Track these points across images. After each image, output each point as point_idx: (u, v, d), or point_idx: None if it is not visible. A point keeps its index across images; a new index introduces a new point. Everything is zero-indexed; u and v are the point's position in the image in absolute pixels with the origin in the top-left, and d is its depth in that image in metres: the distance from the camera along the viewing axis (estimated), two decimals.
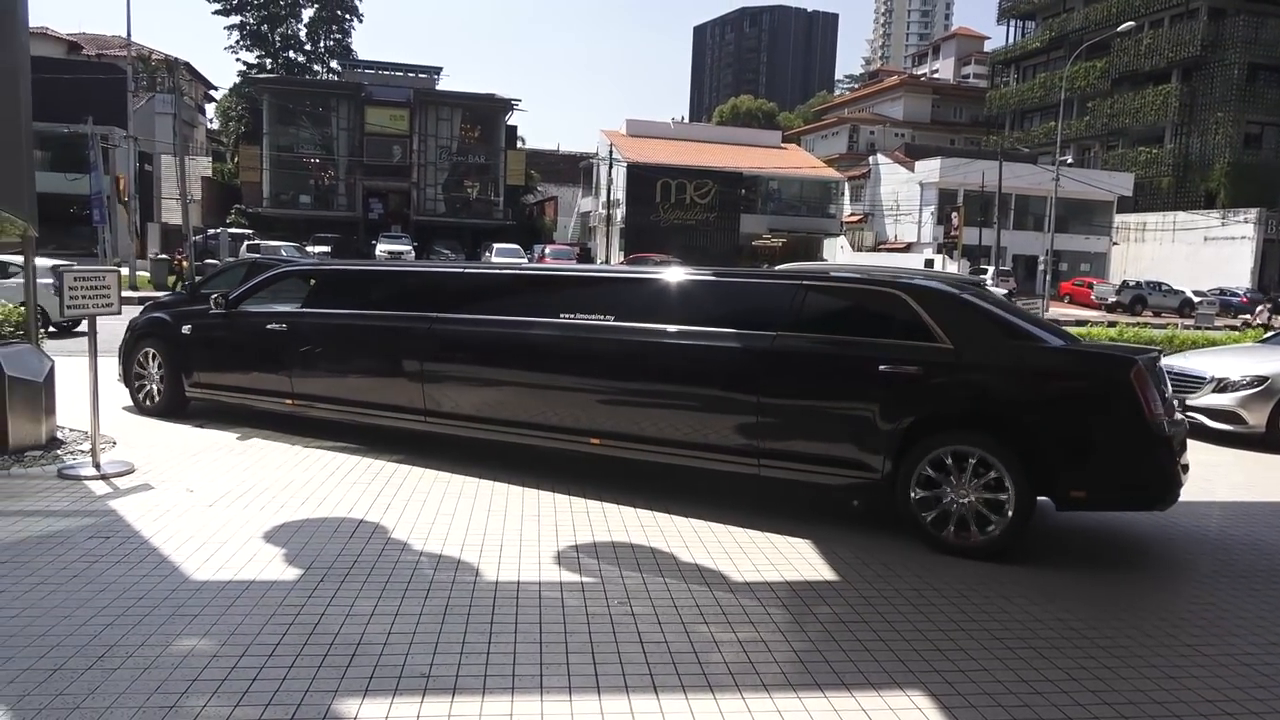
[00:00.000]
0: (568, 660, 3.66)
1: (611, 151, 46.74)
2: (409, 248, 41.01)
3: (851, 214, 60.41)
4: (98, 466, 6.29)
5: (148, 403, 8.38)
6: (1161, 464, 5.00)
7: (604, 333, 6.20)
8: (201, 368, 8.11)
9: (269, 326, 7.70)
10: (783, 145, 60.21)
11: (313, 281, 8.23)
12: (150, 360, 8.37)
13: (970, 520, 5.14)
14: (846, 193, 58.93)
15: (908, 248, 55.66)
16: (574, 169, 63.62)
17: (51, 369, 7.01)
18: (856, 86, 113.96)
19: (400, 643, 3.76)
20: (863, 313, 5.72)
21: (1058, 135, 44.27)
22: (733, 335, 5.78)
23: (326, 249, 38.81)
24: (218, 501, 5.71)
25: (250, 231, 42.13)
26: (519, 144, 57.13)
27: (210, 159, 60.48)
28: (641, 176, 49.23)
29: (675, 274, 6.45)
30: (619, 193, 49.17)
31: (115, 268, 6.36)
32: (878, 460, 5.33)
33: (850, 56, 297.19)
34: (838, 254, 55.73)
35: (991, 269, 40.16)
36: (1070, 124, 55.45)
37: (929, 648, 3.96)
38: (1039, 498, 5.13)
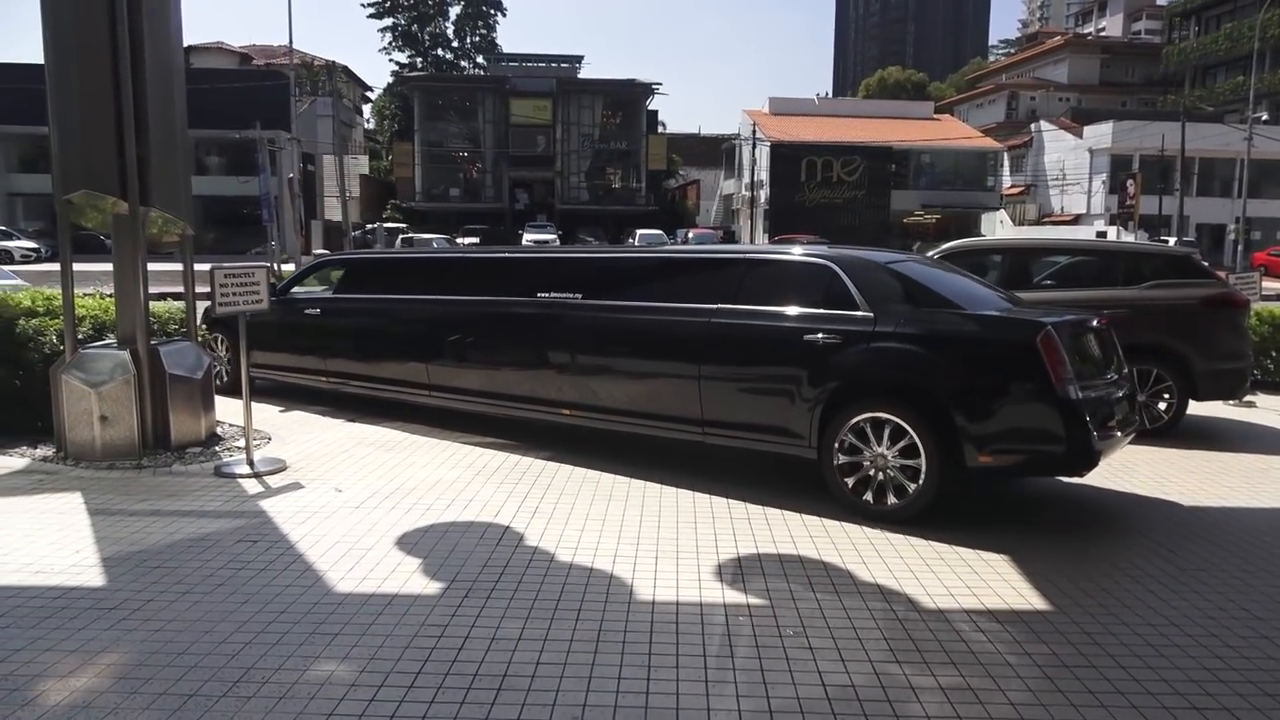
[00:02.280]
0: (738, 706, 3.17)
1: (755, 131, 45.71)
2: (553, 236, 41.51)
3: (1012, 186, 57.00)
4: (251, 464, 6.26)
5: (217, 382, 8.36)
6: (1070, 429, 4.88)
7: (570, 309, 6.74)
8: (258, 349, 8.43)
9: (306, 311, 8.52)
10: (935, 116, 57.34)
11: (341, 271, 9.16)
12: (219, 345, 9.12)
13: (889, 487, 5.22)
14: (1006, 164, 55.56)
15: (1076, 220, 52.05)
16: (715, 152, 62.81)
17: (209, 366, 7.08)
18: (1013, 51, 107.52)
19: (550, 674, 3.36)
20: (795, 285, 5.84)
21: (1250, 90, 40.05)
22: (680, 310, 6.11)
23: (475, 239, 39.74)
24: (365, 502, 5.53)
25: (404, 225, 43.70)
26: (660, 128, 56.92)
27: (367, 157, 63.25)
28: (786, 155, 48.00)
29: (624, 251, 7.86)
30: (762, 173, 48.10)
31: (264, 264, 6.30)
32: (805, 428, 5.49)
33: (1005, 20, 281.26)
34: (997, 229, 52.68)
35: (1173, 240, 36.83)
36: (1263, 78, 50.19)
37: (1183, 705, 3.23)
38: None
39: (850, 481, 5.34)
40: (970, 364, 5.13)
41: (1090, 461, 5.02)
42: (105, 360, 6.41)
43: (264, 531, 4.96)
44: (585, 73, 56.96)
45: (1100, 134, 50.42)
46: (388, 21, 65.75)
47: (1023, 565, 4.58)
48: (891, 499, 5.21)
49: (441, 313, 7.52)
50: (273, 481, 6.00)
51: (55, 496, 5.59)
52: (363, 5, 65.63)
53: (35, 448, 6.71)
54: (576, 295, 6.73)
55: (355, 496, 5.65)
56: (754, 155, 45.99)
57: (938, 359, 5.14)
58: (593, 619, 3.84)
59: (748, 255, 6.49)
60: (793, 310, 5.68)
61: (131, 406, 6.38)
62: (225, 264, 6.09)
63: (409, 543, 4.79)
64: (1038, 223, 55.85)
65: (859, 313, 5.42)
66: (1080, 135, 52.39)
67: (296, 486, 5.87)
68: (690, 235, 40.65)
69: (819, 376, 5.43)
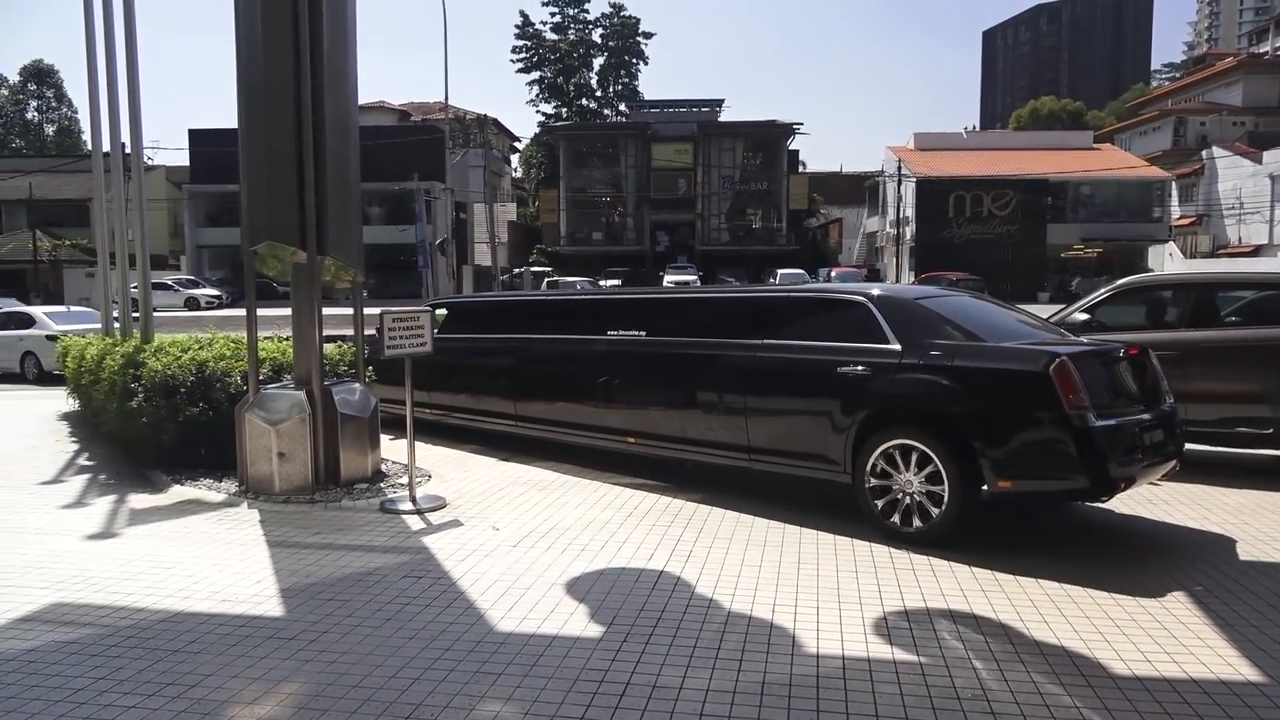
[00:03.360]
0: None
1: (900, 167, 44.76)
2: (694, 277, 41.75)
3: (1181, 217, 53.41)
4: (414, 501, 6.48)
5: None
6: (1085, 457, 4.97)
7: (634, 345, 7.40)
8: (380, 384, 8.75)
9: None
10: (1094, 146, 54.50)
11: (445, 312, 9.87)
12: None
13: (914, 510, 5.44)
14: (1174, 194, 52.15)
15: (1256, 251, 48.20)
16: (857, 189, 61.87)
17: (376, 406, 7.40)
18: (1179, 75, 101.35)
19: None
20: (832, 319, 6.24)
21: None
22: (730, 345, 6.62)
23: (617, 281, 40.44)
24: (521, 541, 5.60)
25: (550, 269, 44.98)
26: (800, 168, 56.67)
27: (515, 204, 65.77)
28: (932, 191, 46.69)
29: (681, 293, 8.85)
30: (908, 210, 46.97)
31: (429, 309, 6.57)
32: (840, 454, 5.82)
33: (1168, 44, 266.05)
34: (1165, 263, 49.36)
35: None
36: None
37: None
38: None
39: (880, 504, 5.61)
40: (988, 393, 5.29)
41: (1107, 489, 5.12)
42: (284, 400, 6.81)
43: (427, 568, 5.10)
44: (725, 115, 57.49)
45: None
46: (535, 75, 68.64)
47: (1227, 629, 4.15)
48: (917, 522, 5.43)
49: (519, 349, 8.39)
50: (434, 519, 6.18)
51: (239, 528, 5.95)
52: (512, 61, 68.79)
53: (220, 480, 7.18)
54: (640, 333, 7.41)
55: (512, 535, 5.74)
56: (899, 192, 44.93)
57: (957, 388, 5.34)
58: (755, 670, 3.72)
59: (790, 293, 7.18)
60: (828, 343, 6.04)
61: (306, 444, 6.74)
62: (393, 308, 6.39)
63: (566, 584, 4.81)
64: (1212, 255, 51.97)
65: (888, 345, 5.71)
66: (1259, 160, 48.66)
67: (456, 524, 6.02)
68: (833, 274, 40.01)
69: (851, 405, 5.76)
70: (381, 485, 7.06)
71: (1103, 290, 8.22)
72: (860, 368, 5.75)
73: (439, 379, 8.87)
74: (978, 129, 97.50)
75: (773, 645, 3.98)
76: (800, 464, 6.15)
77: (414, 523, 6.08)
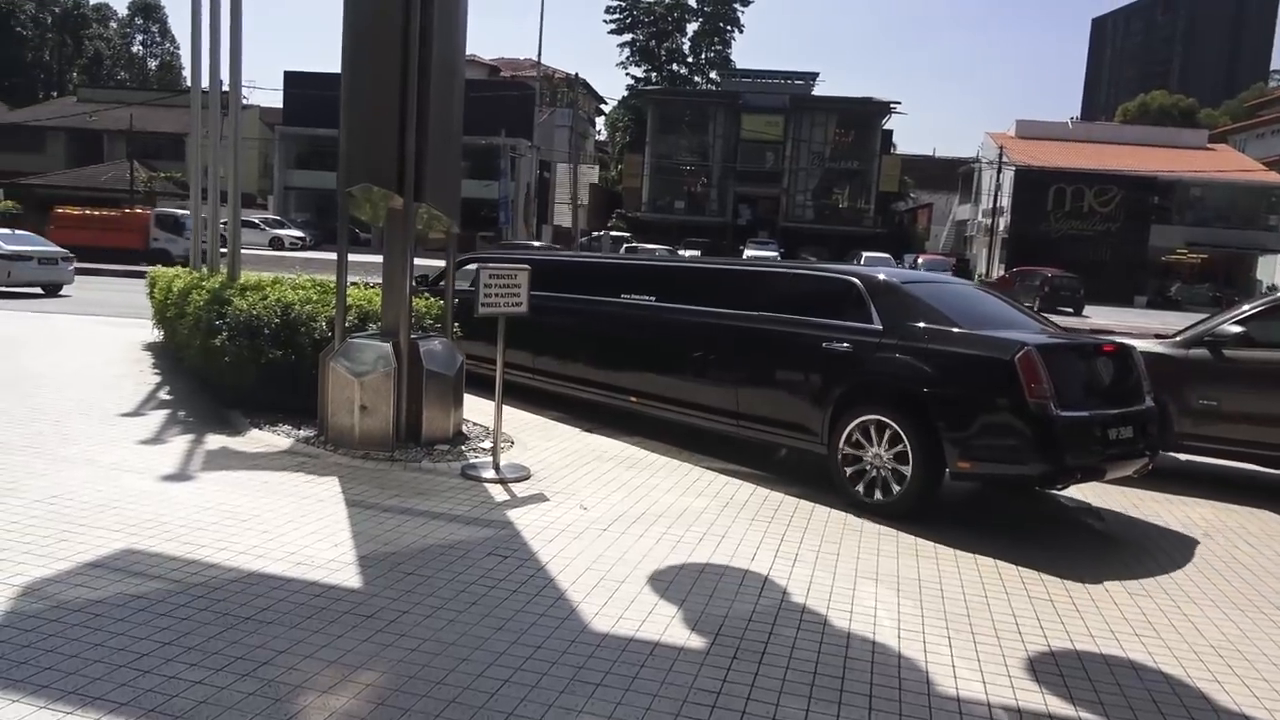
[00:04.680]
0: None
1: (1002, 155, 42.96)
2: (775, 254, 40.83)
3: None
4: (497, 469, 6.12)
5: None
6: (1041, 445, 5.20)
7: (642, 309, 7.75)
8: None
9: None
10: (1209, 146, 51.62)
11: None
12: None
13: (879, 484, 5.75)
14: None
15: None
16: (949, 175, 59.74)
17: (462, 365, 7.06)
18: None
19: None
20: (825, 297, 6.47)
21: None
22: (727, 315, 6.91)
23: (696, 252, 39.77)
24: (612, 525, 5.20)
25: (629, 234, 44.52)
26: (891, 149, 54.87)
27: (598, 167, 65.30)
28: (1032, 181, 44.76)
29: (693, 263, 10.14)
30: (1003, 199, 45.15)
31: (526, 266, 6.15)
32: (818, 426, 6.11)
33: None
34: (1276, 273, 46.68)
35: None
36: None
37: None
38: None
39: (849, 473, 5.90)
40: (955, 376, 5.52)
41: (1063, 477, 5.41)
42: (369, 351, 6.50)
43: (513, 546, 4.72)
44: (818, 90, 55.91)
45: None
46: (627, 37, 67.66)
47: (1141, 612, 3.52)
48: (878, 494, 5.74)
49: (544, 305, 7.66)
50: (518, 490, 5.81)
51: (316, 481, 5.66)
52: (605, 21, 67.94)
53: (300, 428, 6.93)
54: (650, 298, 7.74)
55: (602, 517, 5.34)
56: (997, 180, 43.13)
57: (928, 370, 5.59)
58: (889, 711, 3.24)
59: (792, 270, 7.54)
60: (817, 319, 6.30)
61: (389, 398, 6.43)
62: (491, 264, 5.99)
63: (664, 580, 4.38)
64: None
65: (871, 325, 5.99)
66: None
67: (541, 498, 5.64)
68: (919, 261, 38.69)
69: (832, 380, 6.06)
70: (462, 448, 6.72)
71: (1261, 301, 7.43)
72: (844, 345, 6.02)
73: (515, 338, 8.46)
74: (1078, 120, 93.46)
75: (906, 682, 3.49)
76: (782, 433, 6.52)
77: (497, 493, 5.73)
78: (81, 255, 22.67)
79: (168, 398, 8.11)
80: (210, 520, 4.78)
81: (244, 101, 11.42)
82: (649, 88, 62.54)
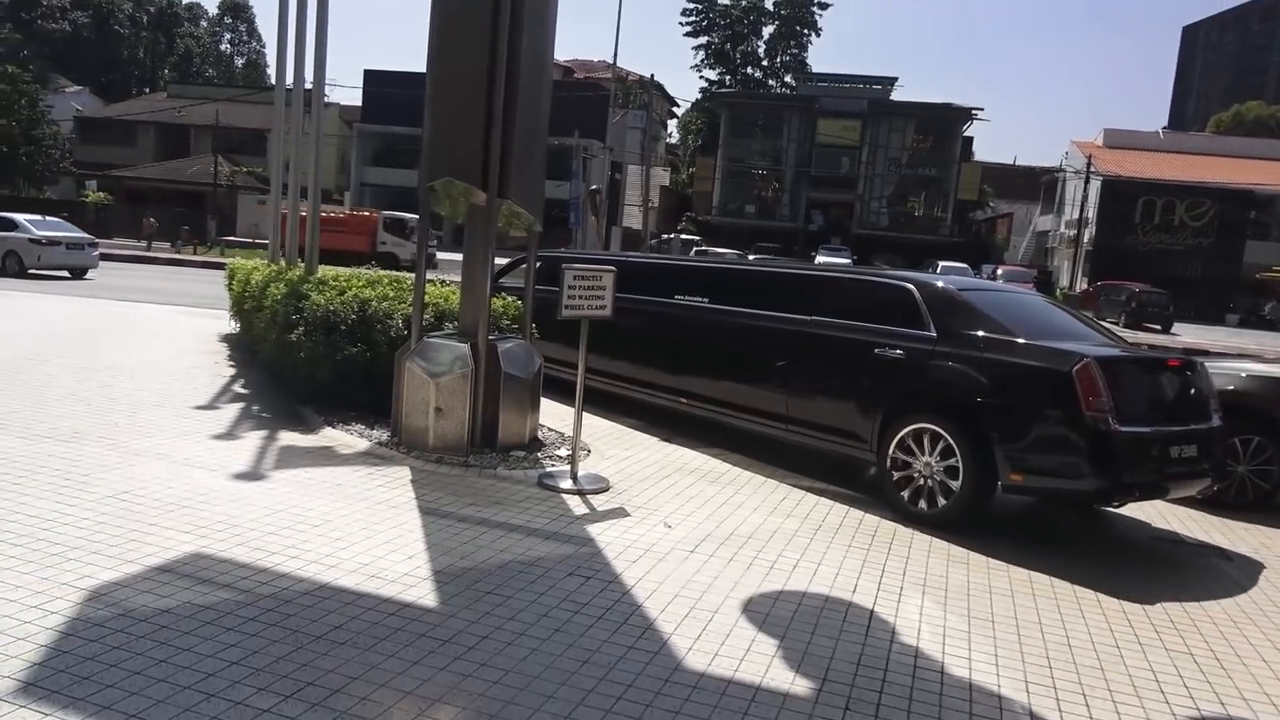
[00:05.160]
0: None
1: (1090, 164, 41.43)
2: (847, 260, 40.00)
3: None
4: (575, 479, 5.84)
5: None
6: (1098, 459, 5.01)
7: (695, 311, 7.70)
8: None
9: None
10: None
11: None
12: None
13: (927, 493, 5.59)
14: None
15: None
16: (1031, 185, 57.92)
17: (540, 367, 6.81)
18: None
19: None
20: (878, 303, 6.34)
21: None
22: (779, 319, 6.83)
23: (766, 257, 39.19)
24: (699, 546, 4.86)
25: (699, 238, 44.15)
26: (971, 157, 53.42)
27: (669, 170, 65.04)
28: (1119, 193, 43.08)
29: (746, 266, 9.21)
30: (1089, 210, 43.55)
31: (611, 269, 5.86)
32: (868, 432, 5.99)
33: None
34: None
35: None
36: None
37: None
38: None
39: (897, 481, 5.76)
40: (1011, 387, 5.34)
41: (1119, 494, 5.19)
42: (447, 351, 6.28)
43: (595, 566, 4.42)
44: (896, 95, 54.77)
45: None
46: (702, 40, 67.30)
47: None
48: (926, 504, 5.59)
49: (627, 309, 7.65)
50: (597, 503, 5.52)
51: (389, 485, 5.45)
52: (680, 24, 67.69)
53: (373, 428, 6.76)
54: (703, 299, 7.69)
55: (687, 537, 5.01)
56: (1085, 190, 41.57)
57: (983, 379, 5.43)
58: None
59: (845, 274, 7.41)
60: (870, 325, 6.19)
61: (465, 401, 6.20)
62: (576, 264, 5.71)
63: (759, 612, 4.03)
64: None
65: (925, 333, 5.84)
66: None
67: (622, 513, 5.34)
68: (999, 272, 37.46)
69: (883, 387, 5.95)
70: (539, 455, 6.46)
71: None
72: (897, 351, 5.89)
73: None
74: (1169, 130, 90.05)
75: None
76: (830, 438, 6.37)
77: (576, 505, 5.44)
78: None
79: (242, 391, 8.04)
80: (282, 524, 4.59)
81: (325, 99, 11.42)
82: (723, 90, 62.06)
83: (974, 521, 5.54)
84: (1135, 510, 6.59)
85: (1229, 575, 5.36)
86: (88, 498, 4.72)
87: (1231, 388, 7.13)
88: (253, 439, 6.33)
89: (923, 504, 5.61)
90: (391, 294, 7.47)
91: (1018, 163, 65.48)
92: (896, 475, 5.79)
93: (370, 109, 49.19)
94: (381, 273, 8.76)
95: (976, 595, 4.51)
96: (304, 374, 7.28)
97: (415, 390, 6.27)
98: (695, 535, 5.05)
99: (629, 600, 4.03)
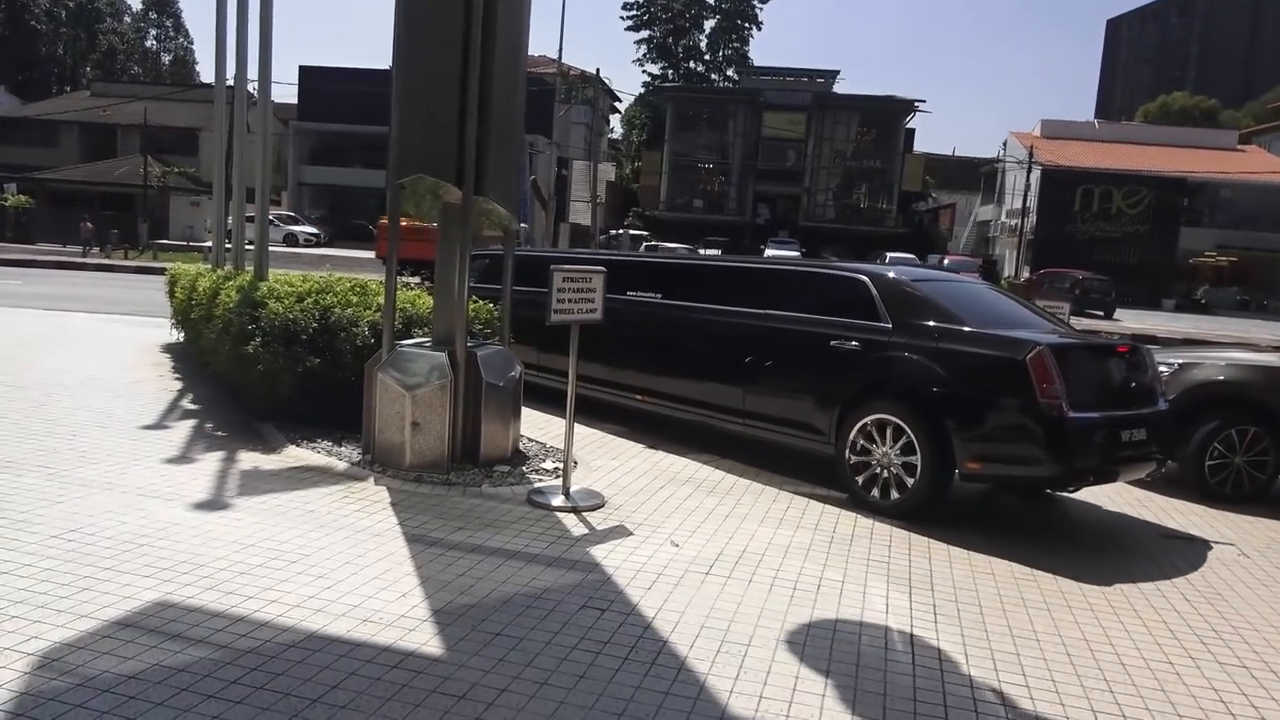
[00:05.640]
0: None
1: (1031, 154, 42.06)
2: (795, 253, 40.04)
3: None
4: (568, 495, 5.44)
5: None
6: (1053, 446, 5.06)
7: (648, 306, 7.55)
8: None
9: None
10: (1238, 148, 50.62)
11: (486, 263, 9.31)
12: None
13: (885, 483, 5.62)
14: None
15: None
16: (970, 176, 58.83)
17: (520, 374, 6.39)
18: None
19: None
20: (833, 295, 6.38)
21: None
22: (734, 313, 6.80)
23: (717, 251, 39.05)
24: (713, 566, 4.51)
25: (647, 233, 43.84)
26: (913, 149, 53.95)
27: (614, 165, 64.56)
28: (1058, 182, 43.85)
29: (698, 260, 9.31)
30: (1028, 200, 44.25)
31: (601, 269, 5.46)
32: (826, 425, 6.00)
33: None
34: None
35: None
36: None
37: None
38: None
39: (856, 473, 5.78)
40: (966, 376, 5.38)
41: (1074, 480, 5.27)
42: (422, 361, 5.82)
43: (607, 596, 4.04)
44: (837, 88, 55.02)
45: None
46: (644, 34, 66.89)
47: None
48: (885, 494, 5.62)
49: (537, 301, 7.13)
50: (594, 521, 5.13)
51: (367, 510, 4.98)
52: (621, 18, 67.27)
53: (340, 445, 6.27)
54: (656, 295, 7.53)
55: (699, 556, 4.65)
56: (1027, 180, 42.20)
57: (939, 369, 5.45)
58: None
59: (799, 267, 7.27)
60: (825, 317, 6.18)
61: (445, 414, 5.74)
62: (565, 265, 5.30)
63: (795, 644, 3.69)
64: None
65: (880, 324, 5.86)
66: None
67: (624, 532, 4.96)
68: (945, 262, 37.83)
69: (840, 379, 5.95)
70: (524, 470, 6.04)
71: None
72: (853, 343, 5.89)
73: (543, 338, 7.60)
74: (1102, 121, 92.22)
75: None
76: (789, 432, 6.31)
77: (572, 524, 5.04)
78: (404, 269, 22.19)
79: (193, 408, 7.45)
80: (254, 561, 4.11)
81: (253, 93, 10.78)
82: (667, 84, 61.78)
83: (976, 518, 5.28)
84: (1134, 506, 6.42)
85: (1184, 558, 5.33)
86: (29, 540, 4.18)
87: (1224, 378, 7.02)
88: (210, 461, 5.80)
89: (882, 494, 5.63)
90: (355, 299, 6.96)
91: (956, 154, 66.48)
92: (854, 467, 5.79)
93: (306, 106, 47.72)
94: (339, 275, 8.22)
95: (1015, 609, 4.23)
96: (261, 388, 6.74)
97: (389, 404, 5.80)
98: (707, 554, 4.69)
99: (653, 635, 3.66)
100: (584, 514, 5.25)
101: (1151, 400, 5.80)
